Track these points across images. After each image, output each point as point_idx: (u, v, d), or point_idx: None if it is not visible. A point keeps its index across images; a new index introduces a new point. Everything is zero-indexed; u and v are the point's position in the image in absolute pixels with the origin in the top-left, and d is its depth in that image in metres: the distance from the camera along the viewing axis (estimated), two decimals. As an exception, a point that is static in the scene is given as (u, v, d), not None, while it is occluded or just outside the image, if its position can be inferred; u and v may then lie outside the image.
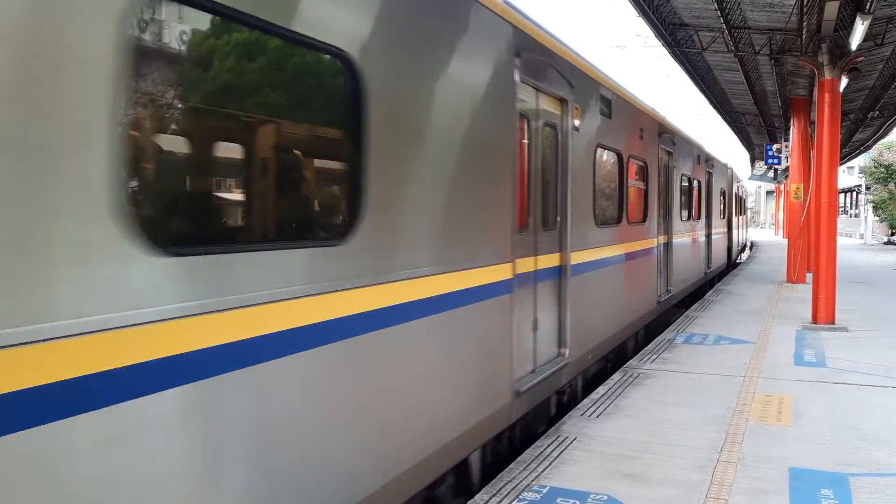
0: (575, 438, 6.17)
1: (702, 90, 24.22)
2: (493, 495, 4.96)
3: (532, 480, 5.22)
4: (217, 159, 3.53)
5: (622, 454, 5.80)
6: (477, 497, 4.96)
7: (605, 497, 4.94)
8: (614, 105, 9.23)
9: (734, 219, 26.32)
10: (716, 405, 7.24)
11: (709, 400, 7.45)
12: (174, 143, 3.19)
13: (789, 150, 23.48)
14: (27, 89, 2.29)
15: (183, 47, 3.03)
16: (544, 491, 5.03)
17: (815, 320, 12.40)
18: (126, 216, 2.59)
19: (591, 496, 4.95)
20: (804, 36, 13.83)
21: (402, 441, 4.35)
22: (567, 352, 7.27)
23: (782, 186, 49.86)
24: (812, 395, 7.71)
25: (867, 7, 11.32)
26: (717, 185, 19.99)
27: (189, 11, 3.00)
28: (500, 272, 5.58)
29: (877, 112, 25.83)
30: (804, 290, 16.19)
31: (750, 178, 52.41)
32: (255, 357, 3.19)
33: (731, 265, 25.60)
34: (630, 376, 8.48)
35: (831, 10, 11.60)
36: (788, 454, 5.83)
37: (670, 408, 7.16)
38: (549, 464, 5.55)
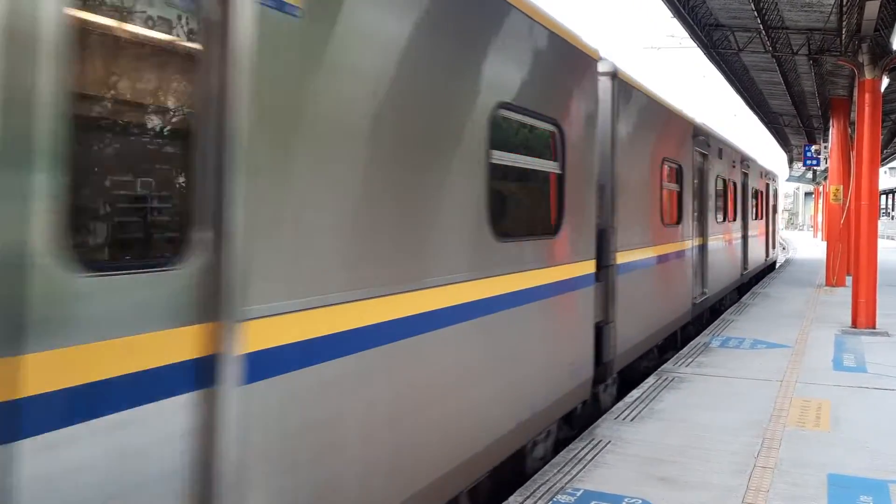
0: (609, 442, 6.16)
1: (738, 91, 23.86)
2: (527, 497, 4.98)
3: (566, 483, 5.23)
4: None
5: (657, 458, 5.78)
6: (511, 499, 4.97)
7: (640, 501, 4.92)
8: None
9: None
10: (752, 410, 7.17)
11: (745, 404, 7.38)
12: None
13: (828, 151, 23.08)
14: None
15: None
16: (578, 494, 5.03)
17: (854, 324, 12.19)
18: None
19: (626, 500, 4.95)
20: (844, 36, 13.58)
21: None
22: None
23: (821, 188, 48.98)
24: (851, 400, 7.60)
25: (909, 6, 11.12)
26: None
27: None
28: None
29: (920, 112, 25.25)
30: (844, 294, 15.92)
31: (787, 180, 51.62)
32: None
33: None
34: (665, 380, 8.42)
35: (871, 9, 11.39)
36: (827, 460, 5.76)
37: (706, 412, 7.11)
38: (583, 467, 5.56)
